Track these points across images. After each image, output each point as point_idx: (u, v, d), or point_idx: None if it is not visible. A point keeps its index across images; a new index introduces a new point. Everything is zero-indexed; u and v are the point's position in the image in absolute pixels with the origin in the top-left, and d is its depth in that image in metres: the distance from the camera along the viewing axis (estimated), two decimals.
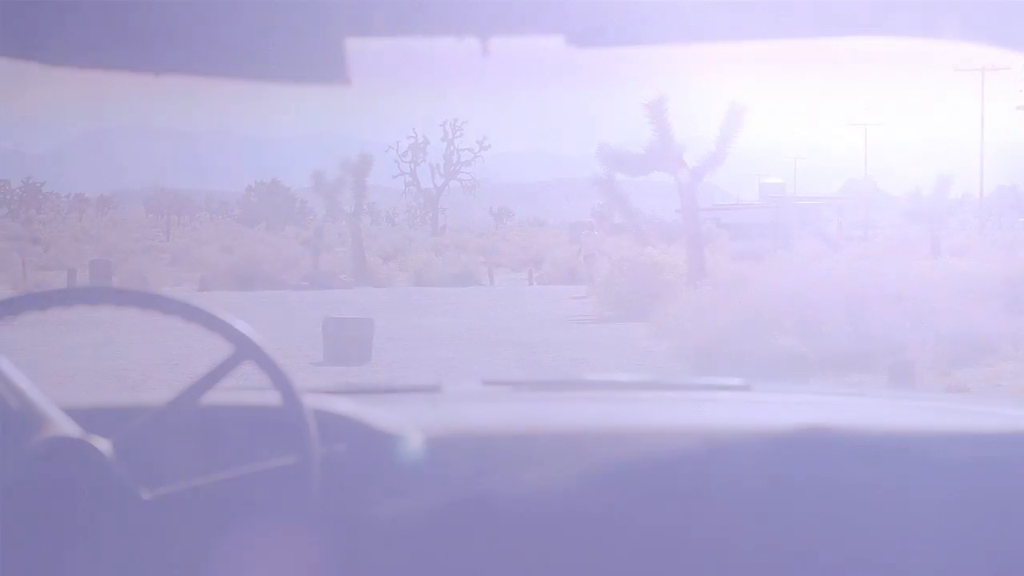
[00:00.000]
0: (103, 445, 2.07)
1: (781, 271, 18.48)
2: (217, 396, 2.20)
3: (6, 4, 2.04)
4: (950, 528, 2.13)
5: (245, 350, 2.09)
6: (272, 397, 2.12)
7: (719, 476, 2.15)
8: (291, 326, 20.06)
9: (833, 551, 2.12)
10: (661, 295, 19.72)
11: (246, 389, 2.46)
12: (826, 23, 1.76)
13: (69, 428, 2.10)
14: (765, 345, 12.67)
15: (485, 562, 2.12)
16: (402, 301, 27.17)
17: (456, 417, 2.36)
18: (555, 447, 2.25)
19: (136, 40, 2.20)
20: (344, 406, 2.28)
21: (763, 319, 14.04)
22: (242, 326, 2.10)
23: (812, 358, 12.19)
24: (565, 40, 1.95)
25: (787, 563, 2.12)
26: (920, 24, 1.73)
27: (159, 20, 2.09)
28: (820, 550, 2.12)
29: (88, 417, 2.18)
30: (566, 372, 13.70)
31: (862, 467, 2.18)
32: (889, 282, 15.56)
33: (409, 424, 2.25)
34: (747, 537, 2.12)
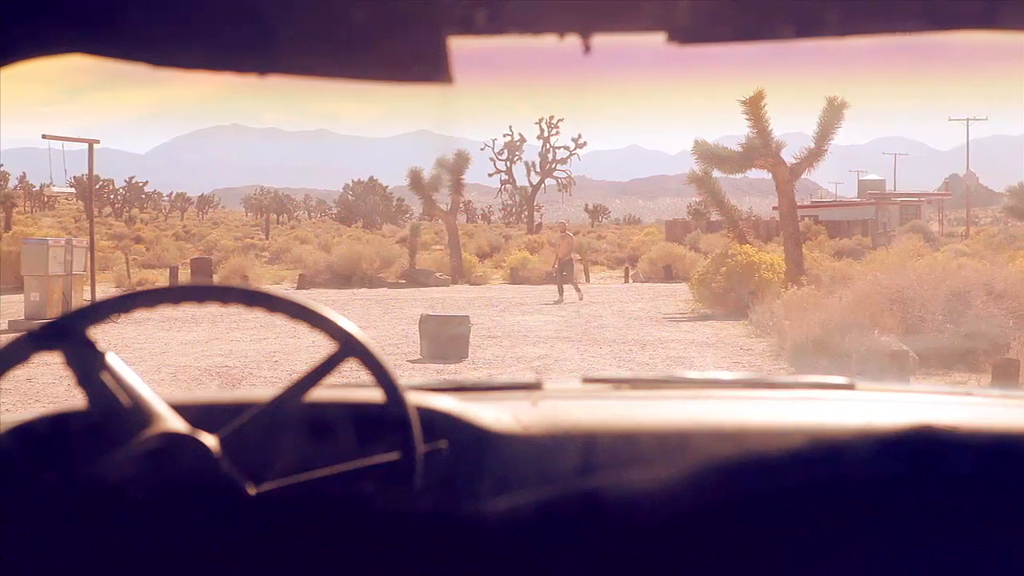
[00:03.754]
0: (210, 441, 2.11)
1: (881, 268, 18.22)
2: (321, 393, 2.22)
3: (112, 6, 2.08)
4: None
5: (349, 347, 2.10)
6: (375, 394, 2.14)
7: (825, 475, 2.13)
8: (389, 323, 20.23)
9: (942, 550, 2.09)
10: (759, 293, 19.57)
11: (349, 386, 2.49)
12: (933, 18, 1.73)
13: (177, 424, 2.13)
14: (865, 343, 12.52)
15: (589, 560, 2.12)
16: (498, 298, 27.25)
17: (558, 415, 2.36)
18: (658, 445, 2.24)
19: (241, 41, 2.23)
20: (446, 403, 2.29)
21: (863, 317, 13.87)
22: (346, 323, 2.12)
23: (914, 357, 12.02)
24: (667, 37, 1.95)
25: (895, 562, 2.09)
26: None
27: (263, 21, 2.12)
28: (929, 549, 2.09)
29: (194, 413, 2.21)
30: (665, 370, 13.63)
31: (971, 466, 2.15)
32: (992, 279, 15.28)
33: (511, 421, 2.26)
34: (854, 536, 2.10)
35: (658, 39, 2.00)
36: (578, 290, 27.22)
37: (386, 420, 2.07)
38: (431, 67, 2.04)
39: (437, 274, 35.20)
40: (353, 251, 36.99)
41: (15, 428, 2.28)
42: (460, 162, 41.22)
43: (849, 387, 2.54)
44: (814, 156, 23.83)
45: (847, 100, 24.19)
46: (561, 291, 27.12)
